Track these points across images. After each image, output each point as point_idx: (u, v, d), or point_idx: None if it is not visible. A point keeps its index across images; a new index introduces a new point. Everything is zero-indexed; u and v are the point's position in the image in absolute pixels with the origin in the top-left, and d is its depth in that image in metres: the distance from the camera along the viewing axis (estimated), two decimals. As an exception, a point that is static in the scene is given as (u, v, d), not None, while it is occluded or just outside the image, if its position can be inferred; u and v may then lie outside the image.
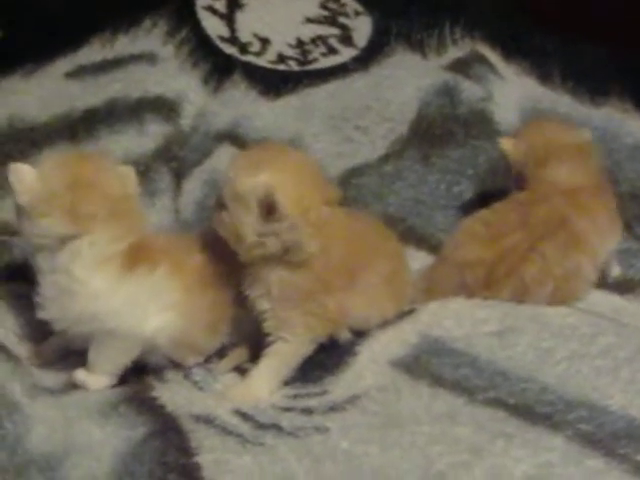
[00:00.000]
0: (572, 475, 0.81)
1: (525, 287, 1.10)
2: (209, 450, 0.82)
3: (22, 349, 1.00)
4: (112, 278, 0.92)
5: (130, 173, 0.99)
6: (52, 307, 0.93)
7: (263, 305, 0.96)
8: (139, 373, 0.99)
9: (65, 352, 1.00)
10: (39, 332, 1.01)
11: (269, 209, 0.91)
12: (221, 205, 0.94)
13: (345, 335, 1.01)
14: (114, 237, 0.92)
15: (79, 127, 1.42)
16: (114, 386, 0.96)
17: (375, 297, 1.01)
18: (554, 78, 1.68)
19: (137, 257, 0.93)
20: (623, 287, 1.21)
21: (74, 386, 0.95)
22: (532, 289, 1.10)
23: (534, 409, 0.90)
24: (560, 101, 1.63)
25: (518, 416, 0.89)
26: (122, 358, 0.95)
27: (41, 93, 1.48)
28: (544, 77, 1.68)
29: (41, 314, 0.94)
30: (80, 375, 0.95)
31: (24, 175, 0.93)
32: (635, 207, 1.36)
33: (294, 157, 0.98)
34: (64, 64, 1.56)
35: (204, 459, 0.81)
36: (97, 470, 0.80)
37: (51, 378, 0.97)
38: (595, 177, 1.19)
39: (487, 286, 1.10)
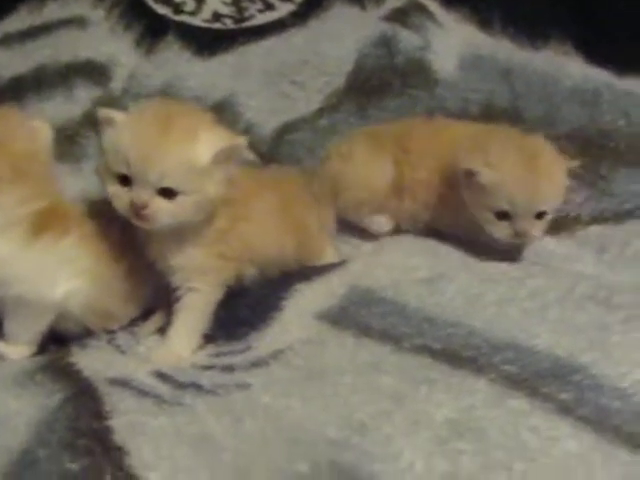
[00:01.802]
0: (494, 417, 0.80)
1: None
2: (123, 413, 0.81)
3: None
4: (18, 243, 0.89)
5: (43, 128, 0.96)
6: None
7: (171, 258, 0.94)
8: (62, 342, 0.96)
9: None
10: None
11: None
12: None
13: (250, 273, 1.00)
14: (20, 199, 0.89)
15: (5, 95, 1.38)
16: (34, 355, 0.93)
17: (269, 226, 1.00)
18: (494, 24, 1.67)
19: (46, 222, 0.90)
20: (560, 226, 1.18)
21: (-8, 358, 0.93)
22: None
23: (460, 353, 0.89)
24: (500, 46, 1.61)
25: (443, 361, 0.88)
26: (35, 325, 0.93)
27: (-36, 62, 1.44)
28: (484, 23, 1.67)
29: None
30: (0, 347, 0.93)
31: None
32: (571, 147, 1.35)
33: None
34: (-11, 33, 1.53)
35: (117, 422, 0.79)
36: (11, 441, 0.78)
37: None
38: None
39: None
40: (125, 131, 0.90)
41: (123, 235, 0.96)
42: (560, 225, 1.17)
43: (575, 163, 1.10)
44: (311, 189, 1.13)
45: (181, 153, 0.89)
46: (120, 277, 0.96)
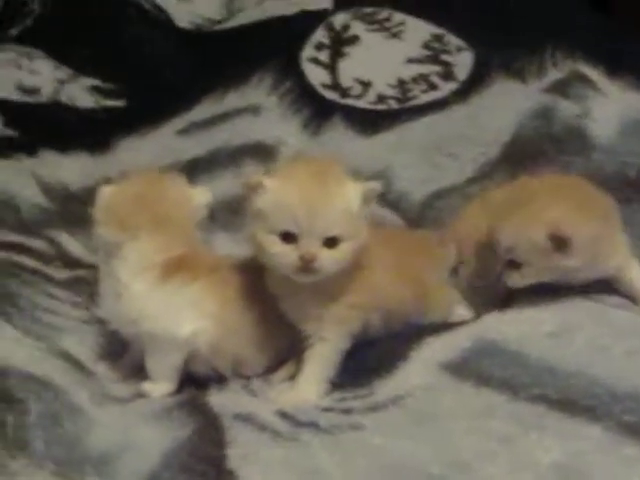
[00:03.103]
0: (605, 463, 0.78)
1: None
2: (241, 444, 0.87)
3: (101, 366, 1.09)
4: (151, 284, 1.01)
5: (201, 193, 1.09)
6: (105, 307, 1.04)
7: (307, 309, 1.00)
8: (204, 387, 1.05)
9: (139, 368, 1.08)
10: (117, 350, 1.10)
11: None
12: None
13: (376, 323, 1.03)
14: (156, 247, 1.01)
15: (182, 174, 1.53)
16: (175, 394, 1.02)
17: (391, 277, 1.04)
18: (660, 90, 1.63)
19: (179, 267, 1.01)
20: None
21: (141, 396, 1.03)
22: None
23: (577, 402, 0.88)
24: (662, 111, 1.57)
25: (558, 409, 0.87)
26: (169, 362, 1.02)
27: (153, 149, 1.61)
28: (650, 89, 1.63)
29: (98, 312, 1.06)
30: (145, 386, 1.04)
31: (103, 192, 1.06)
32: None
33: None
34: (178, 123, 1.70)
35: (234, 452, 0.85)
36: (143, 465, 0.86)
37: (123, 390, 1.05)
38: None
39: None
40: (286, 191, 0.98)
41: (251, 288, 1.03)
42: None
43: None
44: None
45: (340, 201, 0.97)
46: (249, 324, 1.03)
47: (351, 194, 0.98)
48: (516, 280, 1.07)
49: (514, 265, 1.06)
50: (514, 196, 1.11)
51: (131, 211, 1.02)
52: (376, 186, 1.01)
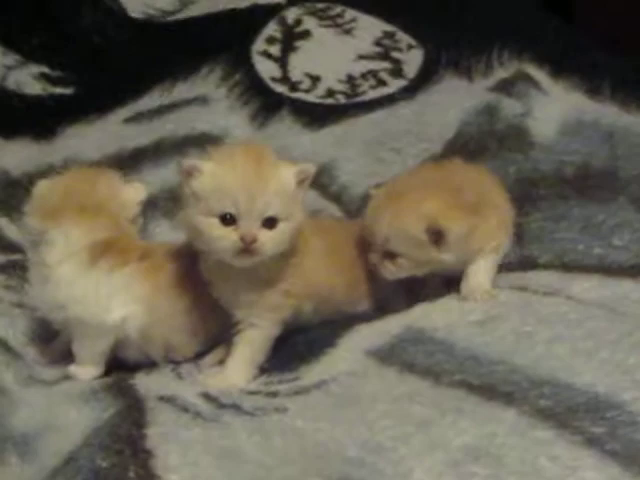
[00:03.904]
0: (515, 445, 0.80)
1: None
2: (161, 424, 0.87)
3: (30, 349, 1.09)
4: (79, 268, 1.01)
5: (131, 192, 1.11)
6: (34, 294, 1.05)
7: (239, 295, 1.00)
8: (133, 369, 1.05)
9: (68, 353, 1.08)
10: (47, 335, 1.10)
11: None
12: None
13: (307, 308, 1.05)
14: (84, 231, 1.02)
15: (126, 163, 1.53)
16: (103, 377, 1.02)
17: (320, 264, 1.05)
18: (604, 91, 1.66)
19: (107, 251, 1.02)
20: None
21: (67, 379, 1.03)
22: None
23: (496, 388, 0.89)
24: (605, 112, 1.60)
25: (477, 395, 0.88)
26: (96, 347, 1.03)
27: (99, 137, 1.61)
28: (593, 91, 1.67)
29: (27, 300, 1.07)
30: (72, 368, 1.04)
31: (37, 187, 1.08)
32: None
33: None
34: (125, 111, 1.70)
35: (152, 431, 0.86)
36: (65, 445, 0.86)
37: (51, 373, 1.05)
38: None
39: None
40: (223, 173, 0.99)
41: (192, 274, 1.03)
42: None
43: None
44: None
45: (276, 182, 0.99)
46: (181, 310, 1.04)
47: (286, 175, 1.00)
48: (391, 271, 1.07)
49: (390, 256, 1.06)
50: (393, 187, 1.12)
51: (57, 202, 1.04)
52: (309, 168, 1.02)
